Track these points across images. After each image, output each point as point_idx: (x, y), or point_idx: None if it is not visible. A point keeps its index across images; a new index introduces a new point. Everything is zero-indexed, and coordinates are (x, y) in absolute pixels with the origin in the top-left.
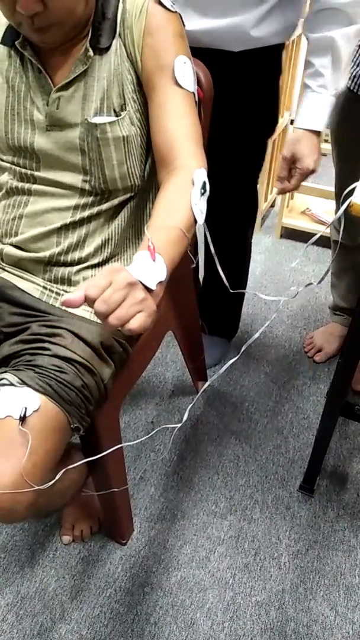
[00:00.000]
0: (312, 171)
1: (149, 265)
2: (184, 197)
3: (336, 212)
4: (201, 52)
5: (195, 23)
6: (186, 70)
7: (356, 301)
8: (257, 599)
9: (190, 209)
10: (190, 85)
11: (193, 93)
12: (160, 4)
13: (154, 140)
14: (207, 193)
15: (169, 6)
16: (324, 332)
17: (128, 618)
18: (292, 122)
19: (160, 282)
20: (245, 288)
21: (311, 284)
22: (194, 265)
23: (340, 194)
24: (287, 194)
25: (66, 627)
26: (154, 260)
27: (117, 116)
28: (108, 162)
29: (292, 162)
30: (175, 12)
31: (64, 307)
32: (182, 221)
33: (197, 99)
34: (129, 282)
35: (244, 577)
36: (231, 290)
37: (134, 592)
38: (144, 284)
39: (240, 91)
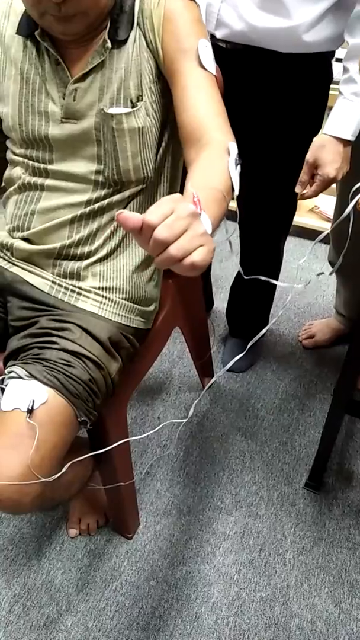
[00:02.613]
0: (333, 179)
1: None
2: (221, 163)
3: (334, 219)
4: (248, 50)
5: (252, 19)
6: (208, 53)
7: (352, 312)
8: (262, 594)
9: (228, 174)
10: (212, 68)
11: (215, 76)
12: None
13: (181, 121)
14: (240, 167)
15: None
16: (321, 322)
17: (133, 611)
18: None
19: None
20: (274, 293)
21: (322, 273)
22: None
23: (342, 198)
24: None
25: (72, 619)
26: (199, 212)
27: (133, 107)
28: (123, 153)
29: (314, 168)
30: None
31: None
32: (222, 184)
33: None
34: (192, 212)
35: (248, 572)
36: (245, 277)
37: (139, 585)
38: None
39: (284, 94)
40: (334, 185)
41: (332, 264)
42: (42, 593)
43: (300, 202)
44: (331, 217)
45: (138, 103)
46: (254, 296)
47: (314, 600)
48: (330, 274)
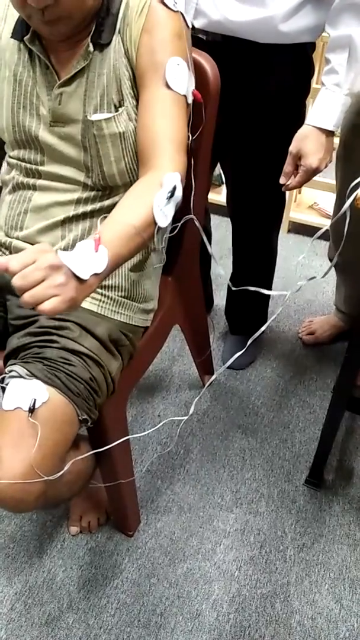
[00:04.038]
0: (316, 170)
1: (88, 255)
2: (148, 197)
3: (334, 216)
4: (227, 41)
5: (228, 8)
6: (179, 73)
7: (352, 309)
8: (263, 591)
9: (151, 210)
10: (181, 88)
11: (184, 96)
12: (163, 2)
13: (137, 138)
14: (178, 198)
15: (170, 5)
16: (321, 319)
17: (134, 609)
18: None
19: (95, 274)
20: (270, 289)
21: (314, 277)
22: (163, 264)
23: (342, 195)
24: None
25: (73, 616)
26: (96, 251)
27: (116, 112)
28: (106, 159)
29: (297, 159)
30: (177, 11)
31: None
32: (139, 220)
33: (190, 102)
34: (52, 264)
35: (249, 569)
36: (233, 288)
37: (140, 583)
38: (73, 271)
39: (264, 85)
40: (333, 182)
41: (331, 260)
42: (43, 591)
43: (300, 199)
44: (330, 214)
45: (120, 108)
46: (250, 293)
47: (314, 597)
48: (323, 276)
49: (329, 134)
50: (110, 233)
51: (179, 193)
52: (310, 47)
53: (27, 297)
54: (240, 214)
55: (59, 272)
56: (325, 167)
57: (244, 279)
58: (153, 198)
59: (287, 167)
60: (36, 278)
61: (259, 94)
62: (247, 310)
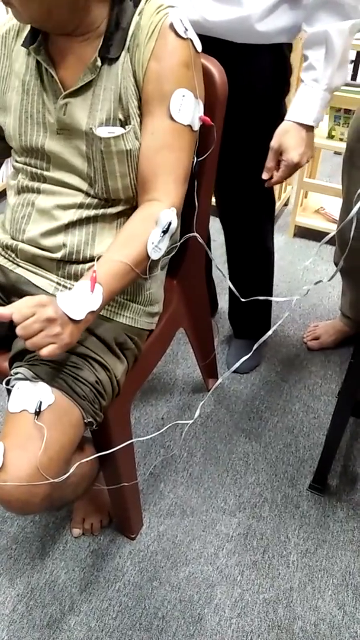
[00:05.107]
0: (297, 164)
1: (83, 296)
2: (143, 235)
3: (340, 221)
4: (205, 41)
5: (205, 8)
6: (184, 104)
7: (357, 314)
8: (265, 596)
9: (145, 247)
10: (186, 118)
11: (189, 125)
12: (173, 29)
13: (139, 164)
14: (172, 230)
15: (181, 33)
16: (327, 324)
17: (136, 612)
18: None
19: (91, 311)
20: (271, 290)
21: (321, 281)
22: (166, 267)
23: (348, 200)
24: (301, 192)
25: (75, 618)
26: (92, 291)
27: (122, 127)
28: (111, 174)
29: (279, 154)
30: (187, 39)
31: None
32: (132, 256)
33: (196, 129)
34: (48, 317)
35: (252, 574)
36: (242, 299)
37: (142, 586)
38: (69, 316)
39: (242, 85)
40: (340, 187)
41: (337, 265)
42: (45, 592)
43: (306, 204)
44: (337, 219)
45: (127, 126)
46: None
47: (317, 603)
48: (329, 279)
49: (309, 129)
50: (106, 271)
51: (174, 226)
52: (287, 47)
53: (28, 343)
54: (229, 215)
55: (54, 325)
56: (307, 161)
57: (241, 282)
58: (147, 236)
59: (269, 162)
60: (35, 329)
61: (237, 95)
62: (251, 315)
